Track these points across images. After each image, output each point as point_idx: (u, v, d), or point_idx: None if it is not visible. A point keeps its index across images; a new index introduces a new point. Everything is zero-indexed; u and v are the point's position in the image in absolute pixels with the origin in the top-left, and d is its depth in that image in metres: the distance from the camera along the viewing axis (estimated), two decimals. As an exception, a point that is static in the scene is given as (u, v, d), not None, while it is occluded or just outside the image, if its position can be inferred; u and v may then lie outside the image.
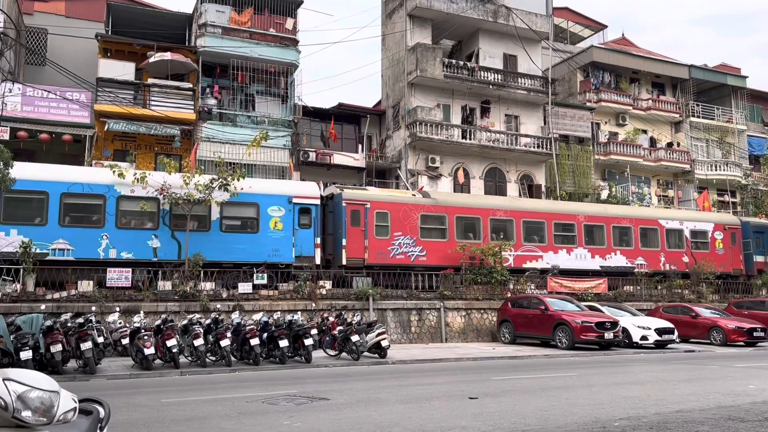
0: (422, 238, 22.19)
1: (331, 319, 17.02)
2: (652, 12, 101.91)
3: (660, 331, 19.55)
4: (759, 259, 28.96)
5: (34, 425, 2.32)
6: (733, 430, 6.63)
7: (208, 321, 14.57)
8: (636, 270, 25.60)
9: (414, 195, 23.34)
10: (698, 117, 36.46)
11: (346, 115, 29.93)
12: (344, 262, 20.83)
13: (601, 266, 25.06)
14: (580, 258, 24.79)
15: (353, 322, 15.97)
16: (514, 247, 23.47)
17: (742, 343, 20.65)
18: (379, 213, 21.56)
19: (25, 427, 2.32)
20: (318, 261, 20.61)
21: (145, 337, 12.91)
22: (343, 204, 21.11)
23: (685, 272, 26.89)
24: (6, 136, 20.85)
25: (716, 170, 35.69)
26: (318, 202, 21.12)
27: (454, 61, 29.56)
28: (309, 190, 21.24)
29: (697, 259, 26.78)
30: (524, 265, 23.63)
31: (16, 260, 16.80)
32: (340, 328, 15.92)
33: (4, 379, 2.30)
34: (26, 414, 2.30)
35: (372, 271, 21.33)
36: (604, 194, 31.83)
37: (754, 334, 20.64)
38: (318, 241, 20.66)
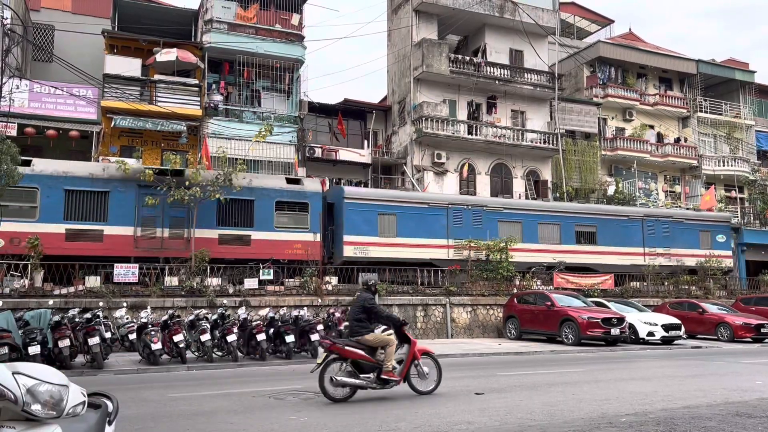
0: None
1: (337, 314, 17.01)
2: (659, 5, 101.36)
3: (667, 327, 19.48)
4: None
5: (43, 418, 2.33)
6: (741, 426, 6.60)
7: (214, 316, 14.62)
8: None
9: None
10: (706, 112, 36.24)
11: (351, 111, 29.90)
12: None
13: None
14: None
15: (359, 318, 15.96)
16: None
17: (749, 339, 20.56)
18: None
19: (35, 421, 2.33)
20: None
21: (152, 333, 12.96)
22: None
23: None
24: (13, 132, 20.93)
25: (724, 166, 35.49)
26: None
27: (460, 56, 29.48)
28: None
29: None
30: None
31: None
32: (347, 323, 15.93)
33: (13, 373, 2.31)
34: (36, 407, 2.31)
35: (376, 267, 21.43)
36: (611, 190, 31.71)
37: (762, 330, 20.54)
38: None
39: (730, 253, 28.93)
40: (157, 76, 24.26)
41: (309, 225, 20.94)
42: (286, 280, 20.10)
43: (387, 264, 21.49)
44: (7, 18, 20.76)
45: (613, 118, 34.35)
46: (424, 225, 22.67)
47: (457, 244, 22.99)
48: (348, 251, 21.43)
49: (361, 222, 21.72)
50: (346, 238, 21.49)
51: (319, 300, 19.26)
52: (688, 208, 32.57)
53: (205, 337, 13.43)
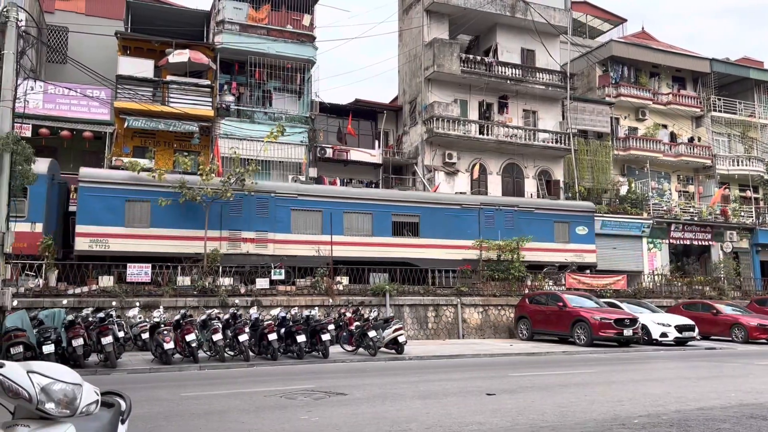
0: None
1: (348, 314, 17.06)
2: (672, 4, 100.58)
3: (680, 329, 19.33)
4: None
5: (57, 417, 2.36)
6: (755, 429, 6.53)
7: (226, 316, 14.69)
8: None
9: None
10: (720, 111, 35.88)
11: (362, 111, 29.93)
12: None
13: None
14: None
15: (370, 318, 16.00)
16: None
17: (764, 341, 20.35)
18: None
19: (49, 419, 2.35)
20: None
21: (165, 332, 13.06)
22: None
23: None
24: (28, 134, 21.15)
25: (738, 165, 35.12)
26: None
27: (471, 56, 29.40)
28: None
29: None
30: None
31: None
32: (357, 323, 15.96)
33: (28, 372, 2.33)
34: (50, 406, 2.33)
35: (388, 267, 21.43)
36: (624, 190, 31.50)
37: (777, 331, 20.32)
38: None
39: (593, 247, 25.76)
40: (169, 77, 24.42)
41: (27, 213, 17.66)
42: (298, 280, 20.17)
43: (134, 260, 18.38)
44: (21, 20, 20.96)
45: (625, 118, 34.11)
46: (190, 215, 19.47)
47: (233, 236, 20.07)
48: (82, 244, 18.36)
49: (103, 210, 18.51)
50: (80, 228, 18.37)
51: (330, 300, 19.30)
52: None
53: (217, 337, 13.50)
